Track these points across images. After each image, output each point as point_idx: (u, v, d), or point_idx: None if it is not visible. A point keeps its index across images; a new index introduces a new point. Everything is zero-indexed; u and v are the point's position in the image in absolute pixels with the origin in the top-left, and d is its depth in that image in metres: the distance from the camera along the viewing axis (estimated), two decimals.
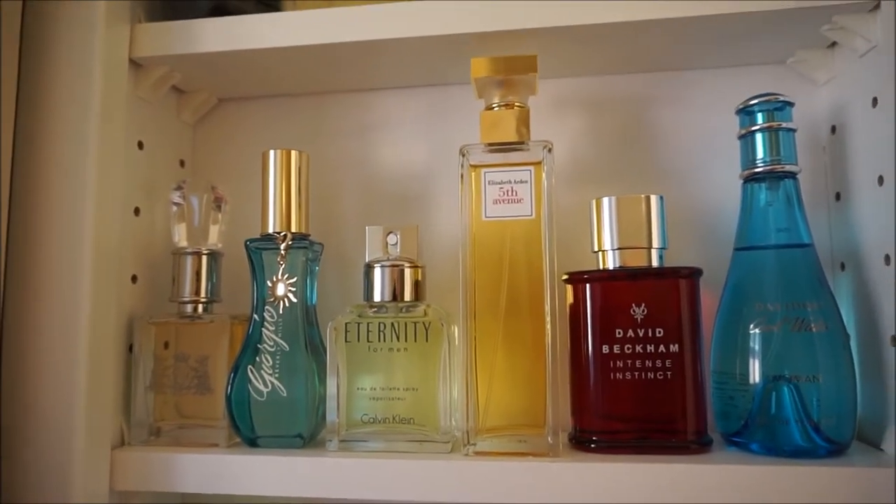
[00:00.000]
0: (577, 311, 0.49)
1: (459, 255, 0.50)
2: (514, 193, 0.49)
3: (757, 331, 0.46)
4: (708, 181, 0.56)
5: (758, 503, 0.42)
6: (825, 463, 0.43)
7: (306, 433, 0.49)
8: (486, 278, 0.49)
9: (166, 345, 0.53)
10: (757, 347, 0.46)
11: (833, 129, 0.54)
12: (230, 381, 0.50)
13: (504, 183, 0.49)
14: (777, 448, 0.44)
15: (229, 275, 0.56)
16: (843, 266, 0.52)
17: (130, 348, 0.53)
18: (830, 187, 0.54)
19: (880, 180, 0.47)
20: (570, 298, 0.49)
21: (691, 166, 0.57)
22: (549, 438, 0.46)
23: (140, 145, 0.56)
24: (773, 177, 0.48)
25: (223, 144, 0.65)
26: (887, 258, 0.46)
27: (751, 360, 0.46)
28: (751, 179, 0.49)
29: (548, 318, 0.48)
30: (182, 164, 0.63)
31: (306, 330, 0.51)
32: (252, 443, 0.50)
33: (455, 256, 0.50)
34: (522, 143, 0.49)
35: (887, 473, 0.41)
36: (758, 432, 0.45)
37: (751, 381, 0.46)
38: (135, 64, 0.55)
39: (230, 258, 0.56)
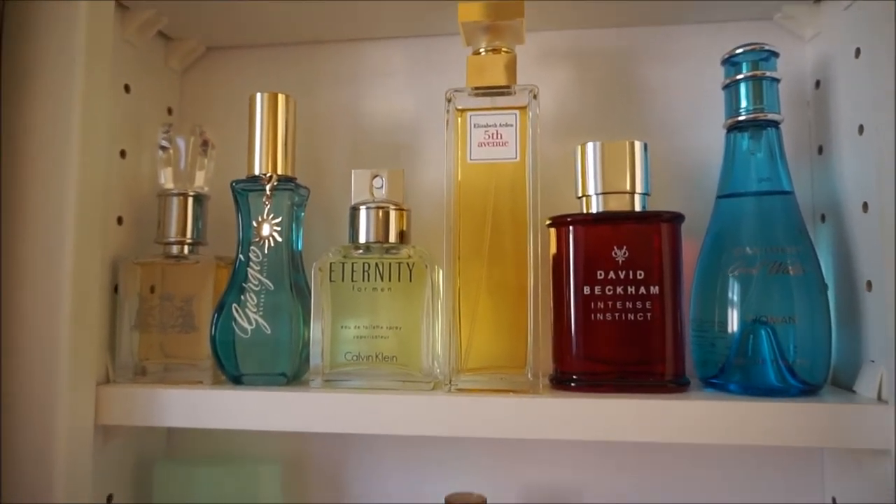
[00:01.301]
0: (559, 255, 0.49)
1: (444, 200, 0.50)
2: (499, 137, 0.49)
3: (736, 274, 0.47)
4: (693, 135, 0.57)
5: (733, 439, 0.43)
6: (798, 400, 0.43)
7: (290, 372, 0.50)
8: (470, 223, 0.50)
9: (152, 289, 0.53)
10: (736, 290, 0.46)
11: (817, 83, 0.54)
12: (215, 320, 0.50)
13: (489, 126, 0.49)
14: (753, 387, 0.45)
15: (215, 223, 0.56)
16: (823, 218, 0.53)
17: (116, 289, 0.53)
18: (813, 141, 0.55)
19: (860, 129, 0.47)
20: (553, 243, 0.50)
21: (676, 120, 0.58)
22: (530, 376, 0.47)
23: (127, 88, 0.56)
24: (756, 126, 0.49)
25: (211, 93, 0.64)
26: (865, 206, 0.46)
27: (730, 304, 0.47)
28: (734, 128, 0.49)
29: (530, 263, 0.49)
30: (170, 111, 0.63)
31: (291, 273, 0.51)
32: (236, 380, 0.50)
33: (440, 205, 0.50)
34: (508, 87, 0.49)
35: (858, 409, 0.42)
36: (735, 373, 0.46)
37: (729, 324, 0.47)
38: (121, 6, 0.55)
39: (216, 206, 0.56)
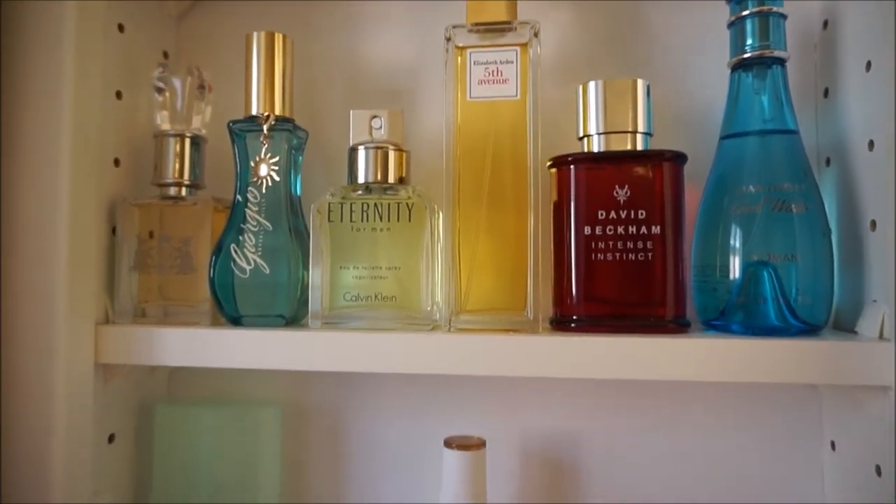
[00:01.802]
0: (560, 195, 0.49)
1: (444, 140, 0.50)
2: (499, 74, 0.48)
3: (738, 213, 0.46)
4: (696, 77, 0.56)
5: (733, 376, 0.43)
6: (799, 338, 0.43)
7: (288, 314, 0.50)
8: (470, 166, 0.49)
9: (151, 233, 0.53)
10: (738, 230, 0.46)
11: (825, 24, 0.53)
12: (213, 261, 0.50)
13: (489, 63, 0.48)
14: (754, 327, 0.45)
15: (213, 172, 0.56)
16: (828, 162, 0.52)
17: (114, 231, 0.53)
18: (819, 84, 0.54)
19: (868, 66, 0.46)
20: (554, 184, 0.49)
21: (680, 62, 0.56)
22: (530, 316, 0.47)
23: (121, 28, 0.55)
24: (762, 63, 0.48)
25: (208, 39, 0.63)
26: (871, 144, 0.46)
27: (732, 244, 0.46)
28: (739, 67, 0.48)
29: (531, 204, 0.48)
30: (165, 55, 0.62)
31: (290, 217, 0.51)
32: (235, 322, 0.50)
33: (440, 151, 0.50)
34: (509, 23, 0.48)
35: (859, 347, 0.42)
36: (736, 313, 0.46)
37: (731, 265, 0.46)
38: None
39: (214, 153, 0.55)
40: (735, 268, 0.46)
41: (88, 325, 0.49)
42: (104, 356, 0.49)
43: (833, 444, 0.51)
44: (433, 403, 0.57)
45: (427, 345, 0.46)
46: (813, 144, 0.53)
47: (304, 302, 0.50)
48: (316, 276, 0.49)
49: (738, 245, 0.46)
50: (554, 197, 0.49)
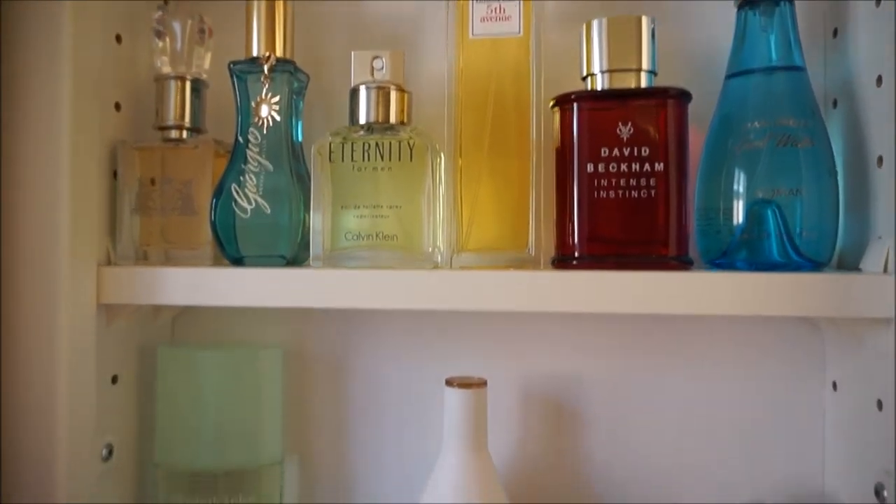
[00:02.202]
0: (564, 133, 0.48)
1: (445, 81, 0.49)
2: (501, 11, 0.48)
3: (743, 149, 0.46)
4: (702, 19, 0.55)
5: (735, 310, 0.43)
6: (803, 272, 0.43)
7: (289, 255, 0.50)
8: (472, 108, 0.49)
9: (152, 178, 0.53)
10: (742, 166, 0.45)
11: None
12: (214, 203, 0.50)
13: (492, 0, 0.48)
14: (757, 264, 0.45)
15: (212, 121, 0.55)
16: (835, 103, 0.51)
17: (115, 175, 0.53)
18: (828, 24, 0.53)
19: (877, 2, 0.46)
20: (557, 123, 0.49)
21: (685, 2, 0.56)
22: (531, 252, 0.46)
23: None
24: (770, 1, 0.47)
25: None
26: (879, 79, 0.45)
27: (736, 182, 0.46)
28: (746, 5, 0.48)
29: (533, 143, 0.48)
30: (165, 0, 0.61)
31: (291, 161, 0.51)
32: (237, 263, 0.50)
33: (443, 99, 0.49)
34: None
35: (861, 280, 0.42)
36: (741, 251, 0.45)
37: (735, 204, 0.46)
38: None
39: (213, 100, 0.55)
40: (739, 206, 0.45)
41: (90, 267, 0.49)
42: (106, 296, 0.50)
43: (834, 385, 0.51)
44: (434, 346, 0.57)
45: (428, 281, 0.46)
46: (820, 87, 0.52)
47: (305, 244, 0.50)
48: (317, 216, 0.48)
49: (742, 182, 0.45)
50: (557, 136, 0.49)
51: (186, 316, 0.60)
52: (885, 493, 0.44)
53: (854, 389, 0.49)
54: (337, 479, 0.58)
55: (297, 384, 0.59)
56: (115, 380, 0.53)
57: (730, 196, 0.46)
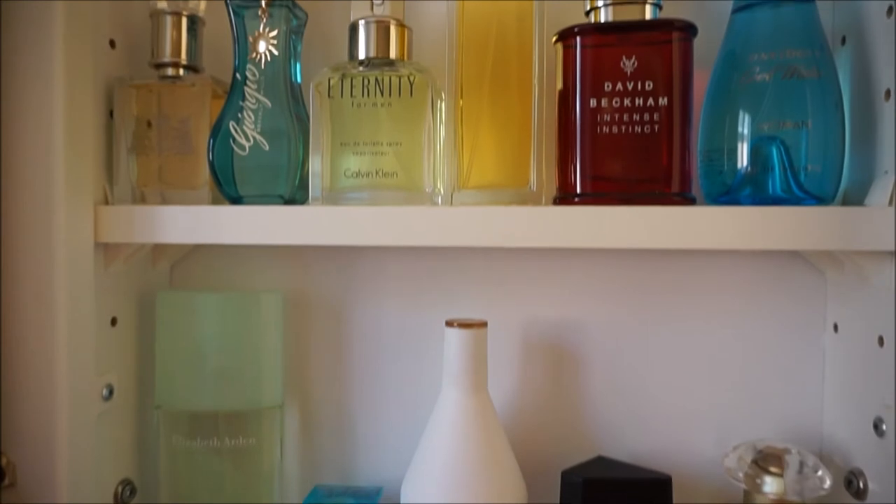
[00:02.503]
0: (566, 69, 0.47)
1: (446, 21, 0.48)
2: None
3: (748, 82, 0.45)
4: None
5: (739, 244, 0.43)
6: (806, 205, 0.43)
7: (287, 195, 0.49)
8: (473, 45, 0.48)
9: (149, 123, 0.52)
10: (748, 99, 0.45)
11: None
12: (212, 144, 0.49)
13: None
14: (760, 199, 0.44)
15: (209, 66, 0.55)
16: (843, 40, 0.50)
17: (111, 115, 0.52)
18: None
19: None
20: (559, 59, 0.48)
21: None
22: (533, 188, 0.46)
23: None
24: None
25: None
26: (890, 10, 0.44)
27: (741, 115, 0.45)
28: None
29: (535, 81, 0.47)
30: None
31: (290, 99, 0.50)
32: (235, 202, 0.49)
33: (442, 41, 0.49)
34: None
35: (865, 212, 0.42)
36: (745, 188, 0.45)
37: (740, 138, 0.45)
38: None
39: (209, 43, 0.54)
40: (744, 141, 0.45)
41: (87, 206, 0.49)
42: (104, 235, 0.49)
43: (836, 326, 0.51)
44: (434, 290, 0.57)
45: (429, 217, 0.45)
46: (828, 25, 0.51)
47: (304, 185, 0.49)
48: (316, 154, 0.48)
49: (747, 116, 0.45)
50: (559, 71, 0.48)
51: (184, 264, 0.60)
52: (884, 427, 0.44)
53: (855, 329, 0.48)
54: (337, 423, 0.59)
55: (298, 330, 0.59)
56: (114, 322, 0.53)
57: (734, 132, 0.46)
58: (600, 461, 0.53)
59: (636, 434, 0.55)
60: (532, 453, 0.55)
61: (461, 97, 0.48)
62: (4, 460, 0.46)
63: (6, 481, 0.46)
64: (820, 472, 0.46)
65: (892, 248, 0.41)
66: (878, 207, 0.42)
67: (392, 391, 0.58)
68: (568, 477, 0.50)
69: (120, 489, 0.54)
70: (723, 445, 0.52)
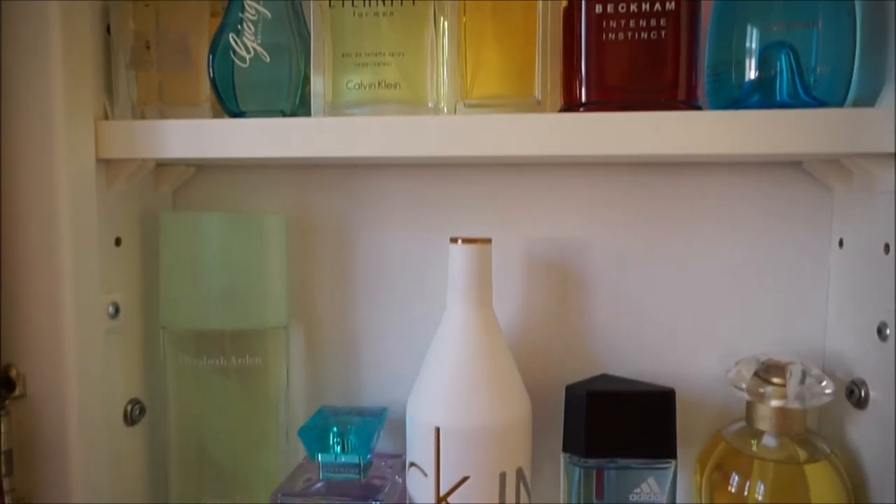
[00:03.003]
0: None
1: None
2: None
3: None
4: None
5: (744, 148, 0.42)
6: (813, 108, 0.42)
7: (289, 110, 0.49)
8: None
9: (147, 45, 0.51)
10: (757, 4, 0.44)
11: None
12: (211, 60, 0.48)
13: None
14: (768, 105, 0.44)
15: None
16: None
17: (108, 30, 0.51)
18: None
19: None
20: None
21: None
22: (538, 98, 0.45)
23: None
24: None
25: None
26: None
27: (750, 21, 0.44)
28: None
29: None
30: None
31: (290, 12, 0.49)
32: (236, 118, 0.49)
33: None
34: None
35: (871, 114, 0.41)
36: (752, 95, 0.44)
37: (748, 48, 0.44)
38: None
39: None
40: (752, 50, 0.44)
41: (88, 122, 0.48)
42: (105, 151, 0.49)
43: (841, 242, 0.51)
44: (438, 210, 0.57)
45: (433, 126, 0.45)
46: None
47: (305, 103, 0.49)
48: (317, 65, 0.47)
49: (756, 22, 0.44)
50: None
51: (186, 190, 0.60)
52: (888, 331, 0.44)
53: (860, 241, 0.48)
54: (342, 345, 0.59)
55: (302, 254, 0.59)
56: (118, 242, 0.53)
57: (742, 41, 0.45)
58: (604, 378, 0.53)
59: (639, 353, 0.55)
60: (536, 372, 0.55)
61: (464, 14, 0.47)
62: (14, 372, 0.46)
63: (16, 392, 0.46)
64: (822, 381, 0.46)
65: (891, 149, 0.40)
66: (887, 109, 0.41)
67: (396, 314, 0.58)
68: (572, 391, 0.50)
69: (129, 408, 0.54)
70: (726, 363, 0.52)
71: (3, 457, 0.45)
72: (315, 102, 0.48)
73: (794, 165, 0.52)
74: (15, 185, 0.46)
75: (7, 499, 0.45)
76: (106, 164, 0.50)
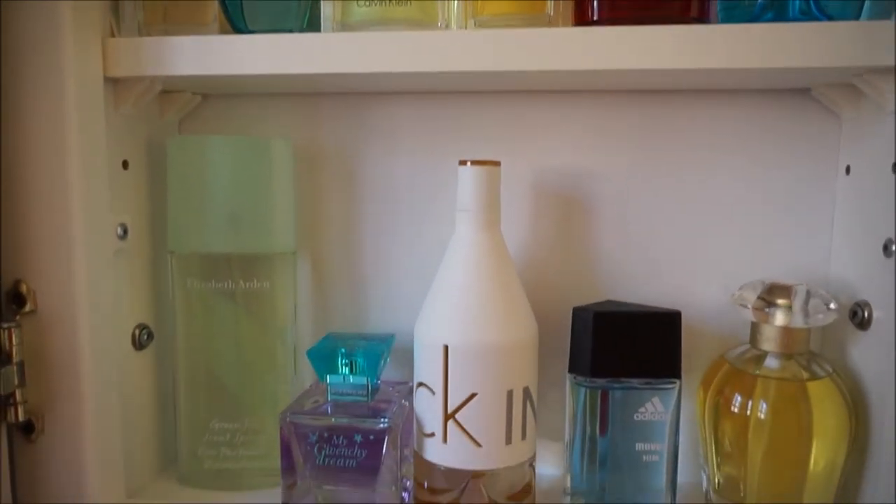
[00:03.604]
0: None
1: None
2: None
3: None
4: None
5: (755, 62, 0.42)
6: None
7: (298, 29, 0.49)
8: None
9: None
10: None
11: None
12: None
13: None
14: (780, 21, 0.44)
15: None
16: None
17: None
18: None
19: None
20: None
21: None
22: (550, 14, 0.45)
23: None
24: None
25: None
26: None
27: None
28: None
29: None
30: None
31: None
32: None
33: None
34: None
35: (888, 26, 0.41)
36: (766, 12, 0.44)
37: None
38: None
39: None
40: None
41: (95, 39, 0.48)
42: (113, 69, 0.48)
43: (847, 169, 0.51)
44: (447, 136, 0.57)
45: (443, 40, 0.45)
46: None
47: (314, 22, 0.49)
48: (328, 13, 0.47)
49: None
50: None
51: (193, 119, 0.59)
52: (895, 247, 0.44)
53: (868, 165, 0.49)
54: (350, 273, 0.59)
55: (310, 181, 0.59)
56: (125, 165, 0.53)
57: None
58: (611, 303, 0.54)
59: (645, 280, 0.56)
60: (542, 299, 0.55)
61: None
62: (24, 287, 0.46)
63: (27, 307, 0.46)
64: (826, 301, 0.47)
65: None
66: None
67: (404, 242, 0.58)
68: (579, 312, 0.51)
69: (137, 332, 0.55)
70: (730, 290, 0.53)
71: (15, 368, 0.45)
72: (325, 21, 0.47)
73: (801, 93, 0.52)
74: (24, 102, 0.46)
75: (20, 409, 0.46)
76: (114, 85, 0.50)
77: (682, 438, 0.50)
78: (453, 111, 0.56)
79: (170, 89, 0.55)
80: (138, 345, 0.55)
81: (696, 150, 0.54)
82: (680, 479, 0.51)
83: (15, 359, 0.45)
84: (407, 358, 0.52)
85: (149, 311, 0.56)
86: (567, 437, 0.52)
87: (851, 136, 0.51)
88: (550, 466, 0.58)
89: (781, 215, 0.54)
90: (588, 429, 0.50)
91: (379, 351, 0.52)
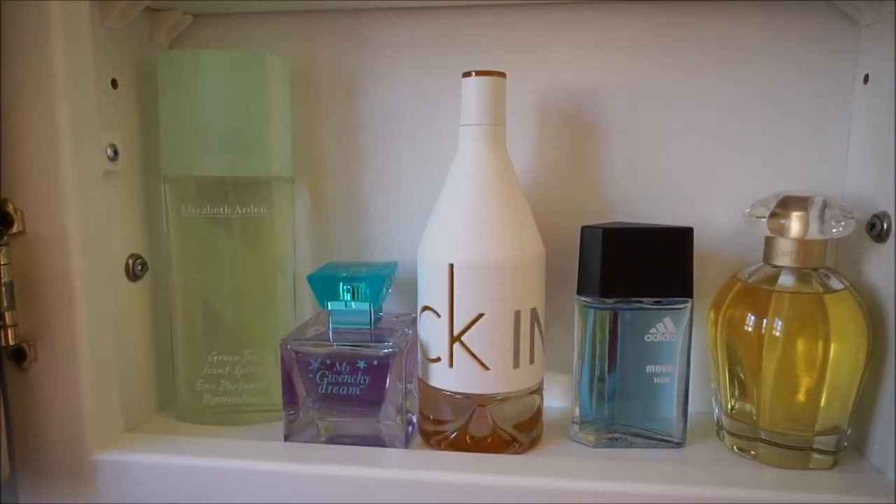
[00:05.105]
0: None
1: None
2: None
3: None
4: None
5: None
6: None
7: None
8: None
9: None
10: None
11: None
12: None
13: None
14: None
15: None
16: None
17: None
18: None
19: None
20: None
21: None
22: None
23: None
24: None
25: None
26: None
27: None
28: None
29: None
30: None
31: None
32: None
33: None
34: None
35: None
36: None
37: None
38: None
39: None
40: None
41: None
42: None
43: (866, 78, 0.49)
44: (447, 56, 0.54)
45: None
46: None
47: None
48: None
49: None
50: None
51: (183, 40, 0.57)
52: None
53: (889, 72, 0.47)
54: (349, 200, 0.58)
55: (307, 104, 0.56)
56: (114, 84, 0.51)
57: None
58: (620, 223, 0.52)
59: (655, 199, 0.54)
60: (550, 219, 0.54)
61: None
62: (11, 207, 0.44)
63: (15, 228, 0.44)
64: (843, 211, 0.45)
65: None
66: None
67: (405, 167, 0.56)
68: (588, 230, 0.49)
69: (131, 262, 0.53)
70: (742, 207, 0.51)
71: (4, 289, 0.44)
72: None
73: (818, 0, 0.50)
74: (6, 14, 0.43)
75: (10, 332, 0.44)
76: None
77: (693, 368, 0.49)
78: (453, 27, 0.54)
79: (158, 8, 0.52)
80: (132, 275, 0.53)
81: (708, 62, 0.52)
82: (691, 408, 0.50)
83: (3, 279, 0.43)
84: (409, 289, 0.51)
85: (142, 240, 0.54)
86: (575, 364, 0.50)
87: (870, 44, 0.49)
88: (558, 399, 0.56)
89: (796, 129, 0.52)
90: (598, 353, 0.49)
91: (381, 276, 0.50)
